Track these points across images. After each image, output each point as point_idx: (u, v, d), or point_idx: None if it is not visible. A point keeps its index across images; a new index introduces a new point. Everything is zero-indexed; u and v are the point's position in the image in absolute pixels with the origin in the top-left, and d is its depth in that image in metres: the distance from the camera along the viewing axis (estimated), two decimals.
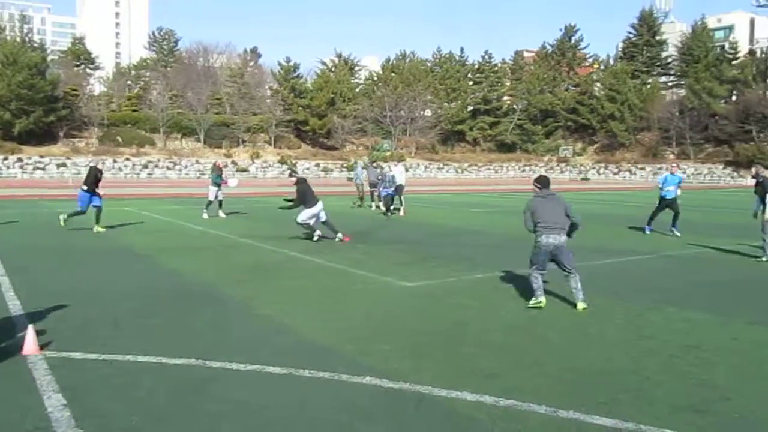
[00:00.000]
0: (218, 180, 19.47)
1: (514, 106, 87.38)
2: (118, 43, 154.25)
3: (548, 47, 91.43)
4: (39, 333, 5.80)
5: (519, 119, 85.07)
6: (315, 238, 13.43)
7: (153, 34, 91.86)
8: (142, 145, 64.70)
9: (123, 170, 59.32)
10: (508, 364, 5.48)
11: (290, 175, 14.42)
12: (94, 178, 15.22)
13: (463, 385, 4.87)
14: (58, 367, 5.23)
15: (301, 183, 13.73)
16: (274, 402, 4.57)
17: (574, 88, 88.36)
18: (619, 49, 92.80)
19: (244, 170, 64.41)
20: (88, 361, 5.41)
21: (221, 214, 19.41)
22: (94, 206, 15.10)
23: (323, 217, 13.68)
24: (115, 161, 59.79)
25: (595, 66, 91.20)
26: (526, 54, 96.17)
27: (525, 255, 8.60)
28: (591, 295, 8.15)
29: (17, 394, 4.65)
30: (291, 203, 13.82)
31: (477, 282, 9.22)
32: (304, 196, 13.49)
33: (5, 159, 54.72)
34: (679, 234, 15.09)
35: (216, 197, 19.37)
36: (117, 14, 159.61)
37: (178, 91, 70.03)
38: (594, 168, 79.27)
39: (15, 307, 7.31)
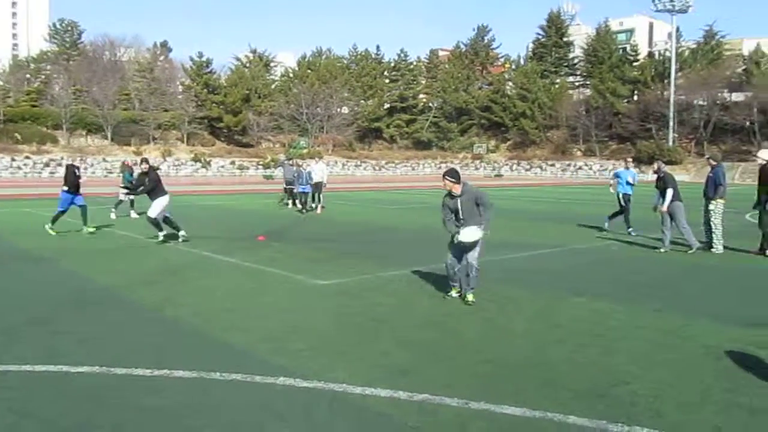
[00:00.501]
0: (130, 178, 18.76)
1: (430, 104, 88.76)
2: (15, 35, 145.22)
3: (462, 46, 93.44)
4: None
5: (435, 117, 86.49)
6: (160, 238, 12.87)
7: (54, 25, 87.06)
8: (44, 142, 61.30)
9: (22, 169, 56.01)
10: (423, 359, 5.54)
11: (143, 162, 13.70)
12: (73, 177, 14.58)
13: (378, 381, 4.88)
14: None
15: (154, 170, 13.38)
16: (183, 407, 4.42)
17: (487, 86, 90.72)
18: (530, 50, 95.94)
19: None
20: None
21: (133, 214, 18.68)
22: (78, 206, 14.53)
23: (168, 213, 13.23)
24: (13, 160, 56.36)
25: (507, 65, 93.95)
26: (440, 53, 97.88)
27: (440, 251, 8.73)
28: (502, 289, 8.38)
29: None
30: (138, 187, 13.38)
31: (391, 279, 9.28)
32: (157, 184, 13.02)
33: None
34: (634, 233, 14.62)
35: (127, 196, 18.66)
36: (14, 4, 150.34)
37: (82, 86, 66.76)
38: (507, 164, 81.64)
39: None
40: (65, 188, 14.50)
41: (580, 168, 77.09)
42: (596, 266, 10.75)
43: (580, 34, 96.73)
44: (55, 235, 13.98)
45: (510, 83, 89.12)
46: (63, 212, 14.54)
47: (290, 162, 24.91)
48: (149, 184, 12.94)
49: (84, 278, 9.21)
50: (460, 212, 7.57)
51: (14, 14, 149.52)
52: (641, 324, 6.73)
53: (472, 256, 7.53)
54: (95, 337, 6.14)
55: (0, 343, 5.90)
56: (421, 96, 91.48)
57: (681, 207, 12.13)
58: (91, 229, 14.61)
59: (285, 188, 23.74)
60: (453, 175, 7.71)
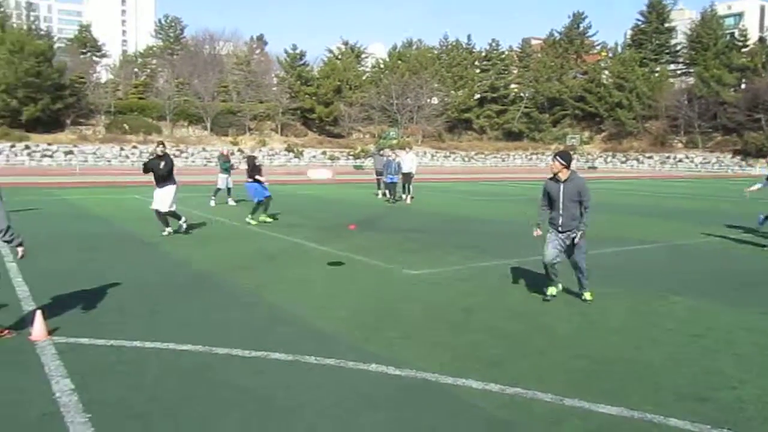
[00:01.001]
0: (226, 166, 19.54)
1: (522, 94, 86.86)
2: (124, 31, 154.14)
3: (556, 35, 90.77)
4: (47, 319, 5.83)
5: (526, 107, 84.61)
6: (182, 227, 12.68)
7: (159, 21, 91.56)
8: (149, 132, 64.68)
9: (130, 158, 59.38)
10: (514, 352, 5.49)
11: (160, 144, 12.93)
12: (252, 167, 14.82)
13: (469, 372, 4.88)
14: (65, 352, 5.26)
15: (170, 156, 12.87)
16: (279, 389, 4.58)
17: (581, 76, 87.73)
18: (628, 37, 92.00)
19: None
20: (95, 347, 5.45)
21: (230, 201, 19.44)
22: (264, 197, 14.74)
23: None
24: (122, 149, 59.87)
25: (603, 54, 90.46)
26: (533, 41, 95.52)
27: (531, 243, 8.58)
28: (597, 284, 8.14)
29: (26, 379, 4.69)
30: (157, 171, 12.51)
31: (483, 270, 9.21)
32: (172, 170, 12.68)
33: (13, 146, 54.84)
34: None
35: (225, 185, 19.44)
36: (123, 1, 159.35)
37: (184, 79, 69.91)
38: (601, 157, 78.87)
39: (23, 293, 7.35)
40: (249, 180, 14.65)
41: (680, 161, 73.37)
42: (699, 264, 10.23)
43: (683, 20, 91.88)
44: (256, 224, 14.28)
45: (606, 72, 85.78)
46: (260, 203, 14.64)
47: (381, 153, 25.11)
48: (164, 168, 12.41)
49: (185, 262, 9.70)
50: (560, 201, 7.09)
51: (123, 12, 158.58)
52: (747, 326, 6.36)
53: (579, 256, 7.19)
54: (197, 318, 6.46)
55: (115, 319, 6.32)
56: (513, 86, 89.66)
57: None
58: (268, 220, 14.68)
59: (377, 179, 23.99)
60: (564, 157, 7.18)
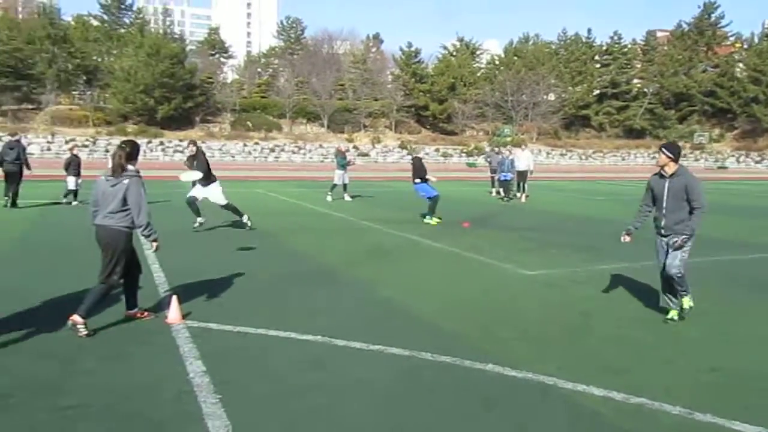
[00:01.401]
0: (343, 163, 20.00)
1: (645, 90, 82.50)
2: (249, 33, 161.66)
3: (684, 26, 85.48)
4: (181, 304, 6.25)
5: (650, 103, 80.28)
6: (246, 220, 12.60)
7: (281, 22, 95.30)
8: (270, 129, 67.50)
9: (252, 154, 62.26)
10: (638, 359, 5.25)
11: (191, 144, 13.02)
12: (419, 167, 14.53)
13: (590, 378, 4.72)
14: (197, 336, 5.62)
15: (203, 153, 12.65)
16: (396, 382, 4.65)
17: (712, 69, 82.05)
18: (766, 27, 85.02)
19: (365, 155, 65.58)
20: (224, 332, 5.77)
21: (346, 197, 19.92)
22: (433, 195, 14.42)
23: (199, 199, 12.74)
24: (245, 145, 62.86)
25: (737, 45, 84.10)
26: (659, 34, 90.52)
27: (653, 247, 8.13)
28: (727, 292, 7.64)
29: (163, 359, 5.05)
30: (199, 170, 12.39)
31: (602, 273, 8.86)
32: (208, 168, 12.51)
33: (149, 142, 59.03)
34: None
35: (341, 180, 19.91)
36: (248, 5, 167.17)
37: (303, 78, 72.33)
38: (733, 156, 73.52)
39: (160, 279, 7.92)
40: (417, 180, 14.33)
41: None
42: None
43: None
44: (435, 224, 13.99)
45: (740, 65, 79.78)
46: (435, 198, 14.26)
47: (496, 150, 24.79)
48: (198, 166, 12.38)
49: (305, 254, 10.05)
50: (664, 199, 6.32)
51: (248, 15, 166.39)
52: None
53: (673, 264, 6.28)
54: (318, 308, 6.68)
55: (241, 306, 6.66)
56: (635, 81, 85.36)
57: None
58: (437, 221, 14.19)
59: (491, 176, 23.70)
60: (671, 149, 6.41)
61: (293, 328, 5.87)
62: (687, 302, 6.41)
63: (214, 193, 12.70)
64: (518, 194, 21.48)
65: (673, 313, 6.42)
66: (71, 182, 17.07)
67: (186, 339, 5.53)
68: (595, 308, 6.90)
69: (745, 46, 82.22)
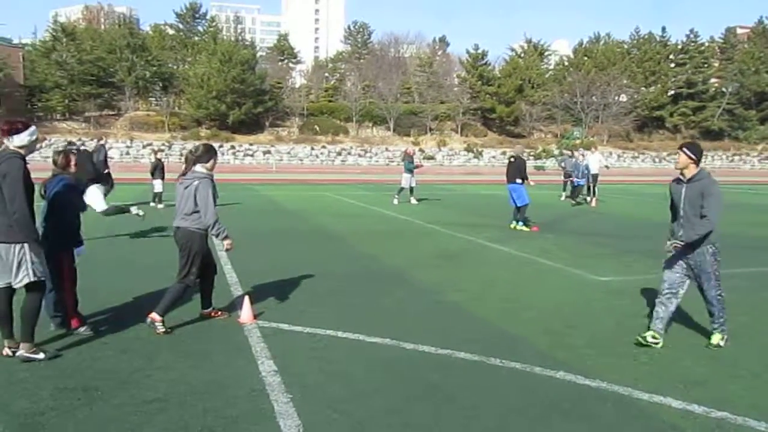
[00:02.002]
0: (410, 166, 19.99)
1: (723, 89, 79.02)
2: (317, 38, 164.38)
3: (766, 22, 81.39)
4: (253, 304, 6.40)
5: (728, 103, 76.82)
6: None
7: (348, 28, 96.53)
8: (337, 133, 68.39)
9: (319, 157, 63.21)
10: (720, 372, 5.02)
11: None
12: (520, 167, 14.05)
13: (667, 390, 4.55)
14: (269, 336, 5.74)
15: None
16: (465, 388, 4.62)
17: None
18: None
19: (431, 158, 65.50)
20: (294, 333, 5.87)
21: (413, 200, 19.92)
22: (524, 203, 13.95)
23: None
24: (312, 149, 63.90)
25: None
26: (739, 31, 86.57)
27: (736, 253, 7.79)
28: None
29: (237, 358, 5.18)
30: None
31: None
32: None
33: (221, 146, 60.76)
34: None
35: (408, 183, 19.91)
36: (317, 11, 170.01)
37: (370, 82, 72.94)
38: None
39: (232, 280, 8.13)
40: (518, 181, 13.81)
41: None
42: None
43: None
44: (527, 229, 13.60)
45: None
46: (526, 205, 13.86)
47: (569, 154, 24.23)
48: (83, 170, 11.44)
49: (372, 257, 10.11)
50: (682, 206, 5.62)
51: (317, 20, 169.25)
52: None
53: (708, 290, 5.63)
54: (386, 311, 6.71)
55: (311, 308, 6.77)
56: (713, 80, 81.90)
57: None
58: (521, 227, 13.69)
59: (564, 180, 23.09)
60: (692, 149, 5.63)
61: (362, 330, 5.92)
62: (717, 339, 5.65)
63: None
64: (588, 198, 20.95)
65: (717, 338, 5.69)
66: (157, 185, 17.77)
67: (258, 339, 5.65)
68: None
69: None
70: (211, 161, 6.11)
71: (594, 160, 21.32)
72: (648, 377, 4.83)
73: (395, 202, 19.67)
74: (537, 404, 4.34)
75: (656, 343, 5.58)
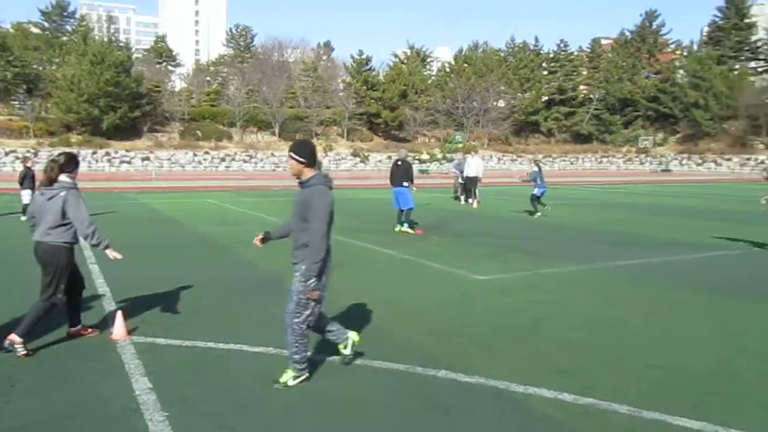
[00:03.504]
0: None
1: (591, 96, 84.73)
2: (197, 41, 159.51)
3: (627, 34, 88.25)
4: (126, 319, 6.07)
5: (596, 109, 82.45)
6: None
7: (231, 30, 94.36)
8: (220, 138, 66.63)
9: (202, 163, 61.30)
10: (587, 361, 5.33)
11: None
12: (409, 171, 14.23)
13: (541, 381, 4.78)
14: (144, 351, 5.46)
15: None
16: (348, 393, 4.61)
17: (654, 75, 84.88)
18: (704, 34, 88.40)
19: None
20: (172, 347, 5.63)
21: None
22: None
23: None
24: (195, 155, 61.86)
25: (678, 52, 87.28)
26: (603, 41, 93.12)
27: (603, 249, 8.33)
28: (672, 291, 7.86)
29: (108, 377, 4.89)
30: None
31: (554, 276, 9.01)
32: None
33: (94, 153, 57.50)
34: None
35: None
36: (197, 12, 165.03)
37: (254, 86, 71.70)
38: (676, 159, 76.01)
39: (105, 293, 7.68)
40: (405, 184, 13.93)
41: (762, 162, 69.85)
42: None
43: (763, 15, 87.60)
44: (412, 232, 13.69)
45: (681, 71, 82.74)
46: (411, 209, 13.97)
47: (462, 158, 24.90)
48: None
49: (255, 265, 9.90)
50: (292, 214, 4.91)
51: (197, 22, 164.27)
52: None
53: (286, 314, 4.82)
54: (269, 320, 6.57)
55: (190, 320, 6.51)
56: (582, 87, 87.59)
57: None
58: (406, 230, 13.83)
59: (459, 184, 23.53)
60: (301, 150, 4.82)
61: (244, 341, 5.77)
62: (285, 377, 4.74)
63: None
64: (470, 200, 21.67)
65: (287, 376, 4.73)
66: (25, 196, 16.45)
67: (132, 355, 5.37)
68: (545, 312, 7.00)
69: (686, 54, 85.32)
70: (75, 171, 5.75)
71: (473, 164, 22.06)
72: (524, 370, 5.05)
73: None
74: (418, 404, 4.41)
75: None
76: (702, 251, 11.37)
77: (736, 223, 16.47)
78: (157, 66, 77.79)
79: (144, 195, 26.00)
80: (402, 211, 14.05)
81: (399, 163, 14.42)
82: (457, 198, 23.15)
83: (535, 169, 18.98)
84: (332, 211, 4.81)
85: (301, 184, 4.85)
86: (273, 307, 7.11)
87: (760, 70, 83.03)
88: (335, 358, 5.26)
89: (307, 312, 4.75)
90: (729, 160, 72.30)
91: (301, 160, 4.80)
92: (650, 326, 6.42)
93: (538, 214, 17.84)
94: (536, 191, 18.48)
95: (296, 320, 4.73)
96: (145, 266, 9.72)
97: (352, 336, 5.21)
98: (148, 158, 58.42)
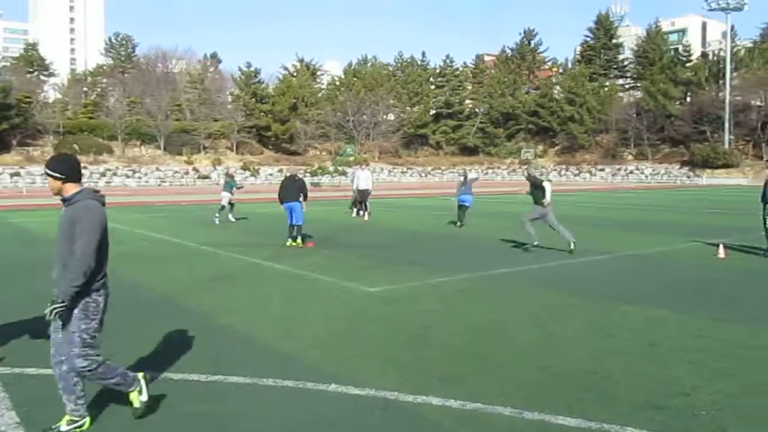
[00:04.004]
0: (232, 186, 20.13)
1: (476, 110, 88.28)
2: (73, 50, 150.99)
3: (508, 51, 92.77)
4: None
5: (481, 122, 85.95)
6: None
7: (110, 39, 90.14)
8: (100, 152, 63.38)
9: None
10: (474, 367, 5.49)
11: None
12: (304, 187, 14.56)
13: (429, 390, 4.86)
14: (11, 383, 5.06)
15: None
16: (237, 413, 4.48)
17: (534, 91, 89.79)
18: (577, 53, 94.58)
19: (206, 177, 63.65)
20: (43, 377, 5.23)
21: (231, 218, 20.11)
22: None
23: None
24: None
25: (554, 69, 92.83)
26: (486, 58, 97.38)
27: (488, 257, 8.63)
28: (553, 295, 8.26)
29: None
30: None
31: (441, 285, 9.23)
32: None
33: None
34: None
35: (227, 202, 19.98)
36: (72, 20, 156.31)
37: (136, 98, 68.88)
38: (555, 170, 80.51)
39: None
40: (300, 200, 14.14)
41: (631, 172, 75.46)
42: (648, 274, 10.44)
43: (629, 36, 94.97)
44: (301, 245, 13.82)
45: (558, 87, 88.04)
46: (301, 224, 14.08)
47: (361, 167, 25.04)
48: None
49: (139, 284, 9.45)
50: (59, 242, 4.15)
51: (72, 30, 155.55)
52: (699, 333, 6.51)
53: (70, 351, 4.14)
54: (153, 342, 6.28)
55: None
56: (467, 102, 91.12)
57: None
58: (297, 243, 13.97)
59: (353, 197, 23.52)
60: (57, 165, 4.17)
61: (125, 364, 5.45)
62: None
63: None
64: (361, 213, 21.84)
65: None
66: None
67: None
68: (434, 320, 7.14)
69: (561, 71, 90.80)
70: None
71: (364, 177, 22.25)
72: (411, 379, 5.12)
73: (216, 221, 19.46)
74: (307, 420, 4.35)
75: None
76: (581, 256, 12.04)
77: (608, 228, 17.62)
78: (28, 75, 72.95)
79: (13, 213, 24.21)
80: (293, 226, 13.99)
81: (296, 179, 14.62)
82: (351, 209, 23.23)
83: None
84: (105, 229, 4.18)
85: (65, 201, 4.15)
86: (156, 328, 6.82)
87: (627, 87, 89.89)
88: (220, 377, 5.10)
89: (93, 352, 4.16)
90: (602, 170, 77.53)
91: (57, 175, 4.11)
92: (535, 330, 6.71)
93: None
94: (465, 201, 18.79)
95: (85, 364, 4.09)
96: (14, 289, 9.03)
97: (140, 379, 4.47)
98: (18, 173, 54.48)
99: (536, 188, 12.78)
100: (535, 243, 12.55)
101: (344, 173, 22.91)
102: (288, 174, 14.96)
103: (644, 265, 11.30)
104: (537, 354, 5.86)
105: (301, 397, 4.77)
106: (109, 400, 4.66)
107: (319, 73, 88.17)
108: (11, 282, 9.74)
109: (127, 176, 60.76)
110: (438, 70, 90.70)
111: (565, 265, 11.07)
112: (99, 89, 77.88)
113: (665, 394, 4.76)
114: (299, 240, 13.97)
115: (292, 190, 14.24)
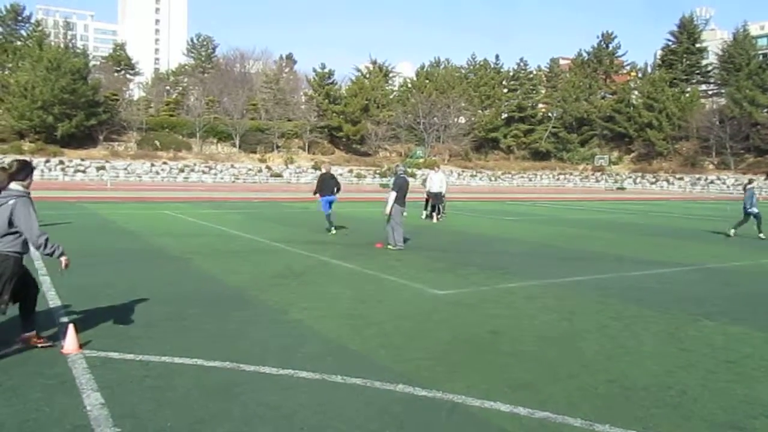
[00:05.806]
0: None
1: (549, 114, 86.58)
2: (157, 50, 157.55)
3: (584, 54, 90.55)
4: (78, 332, 5.92)
5: (554, 127, 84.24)
6: None
7: (192, 40, 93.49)
8: (179, 149, 65.77)
9: (160, 174, 60.38)
10: (543, 375, 5.41)
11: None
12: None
13: (497, 395, 4.83)
14: (96, 366, 5.33)
15: None
16: (306, 407, 4.58)
17: (610, 96, 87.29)
18: (658, 57, 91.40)
19: (278, 175, 65.01)
20: (125, 362, 5.51)
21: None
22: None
23: None
24: (153, 165, 60.91)
25: (633, 74, 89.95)
26: (561, 61, 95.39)
27: (559, 264, 8.48)
28: (626, 307, 8.04)
29: (58, 392, 4.75)
30: None
31: (510, 291, 9.14)
32: None
33: (47, 161, 56.11)
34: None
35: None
36: (157, 21, 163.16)
37: (214, 97, 71.12)
38: (630, 177, 78.06)
39: (56, 306, 7.48)
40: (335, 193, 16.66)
41: (711, 182, 72.23)
42: (732, 288, 10.01)
43: (714, 40, 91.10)
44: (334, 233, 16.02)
45: (635, 92, 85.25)
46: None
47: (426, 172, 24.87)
48: None
49: (213, 278, 9.78)
50: None
51: (157, 31, 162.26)
52: None
53: None
54: (226, 334, 6.50)
55: (144, 333, 6.39)
56: (540, 106, 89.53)
57: None
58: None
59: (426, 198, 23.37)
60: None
61: (200, 355, 5.69)
62: None
63: None
64: (434, 215, 21.78)
65: None
66: None
67: (84, 370, 5.23)
68: (503, 326, 7.08)
69: (640, 75, 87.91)
70: (29, 178, 5.61)
71: (437, 179, 22.19)
72: (479, 384, 5.10)
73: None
74: (375, 418, 4.41)
75: None
76: (655, 268, 11.65)
77: (685, 239, 16.96)
78: (116, 74, 76.62)
79: (98, 205, 25.45)
80: (329, 216, 16.23)
81: (332, 176, 17.02)
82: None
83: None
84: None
85: None
86: (229, 321, 7.05)
87: (710, 93, 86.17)
88: (301, 371, 5.22)
89: None
90: (681, 179, 74.55)
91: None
92: (606, 341, 6.55)
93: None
94: (754, 210, 18.61)
95: None
96: (99, 278, 9.50)
97: None
98: (103, 167, 57.24)
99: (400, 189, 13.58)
100: None
101: (413, 175, 22.92)
102: (324, 171, 17.45)
103: (722, 278, 10.83)
104: (608, 365, 5.73)
105: (368, 395, 4.83)
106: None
107: (391, 74, 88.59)
108: (95, 270, 10.25)
109: (204, 172, 62.78)
110: (511, 74, 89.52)
111: (637, 276, 10.74)
112: (180, 88, 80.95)
113: (747, 414, 4.56)
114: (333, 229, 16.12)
115: (329, 184, 16.44)
